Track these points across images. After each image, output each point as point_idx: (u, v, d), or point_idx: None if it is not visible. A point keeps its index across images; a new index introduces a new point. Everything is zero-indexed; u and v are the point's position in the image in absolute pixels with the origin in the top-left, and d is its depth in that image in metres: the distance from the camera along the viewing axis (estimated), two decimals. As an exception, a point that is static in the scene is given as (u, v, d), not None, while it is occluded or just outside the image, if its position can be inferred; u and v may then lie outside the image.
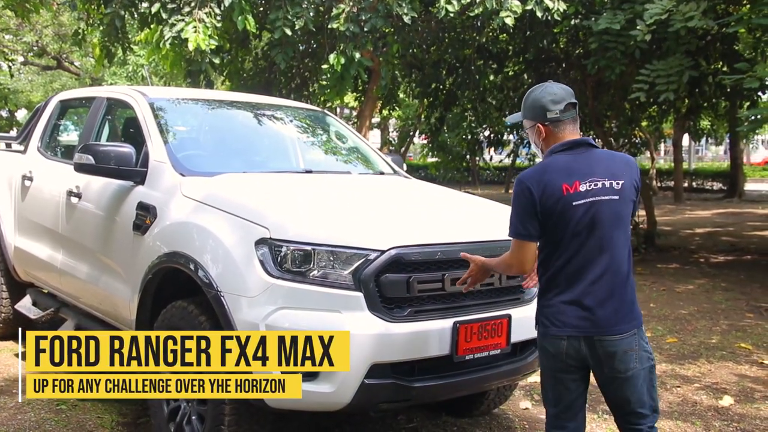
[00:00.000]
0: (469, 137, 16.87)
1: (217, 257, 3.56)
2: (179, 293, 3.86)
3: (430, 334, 3.42)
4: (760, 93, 12.45)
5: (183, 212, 3.92)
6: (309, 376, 3.30)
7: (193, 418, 3.72)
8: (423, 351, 3.41)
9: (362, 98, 13.88)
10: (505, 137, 19.95)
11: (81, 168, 4.39)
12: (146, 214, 4.13)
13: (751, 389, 5.27)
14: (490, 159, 28.41)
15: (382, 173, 5.16)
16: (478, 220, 4.06)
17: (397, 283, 3.37)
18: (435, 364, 3.48)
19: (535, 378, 5.38)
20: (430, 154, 26.67)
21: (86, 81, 25.93)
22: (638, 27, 8.70)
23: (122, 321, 4.40)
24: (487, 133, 18.76)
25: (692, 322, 7.26)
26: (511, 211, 2.99)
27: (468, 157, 25.93)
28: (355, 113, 21.58)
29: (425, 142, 25.19)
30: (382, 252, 3.36)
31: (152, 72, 22.13)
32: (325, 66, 9.63)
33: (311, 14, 9.62)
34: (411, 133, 28.08)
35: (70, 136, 8.69)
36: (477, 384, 3.72)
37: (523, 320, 3.77)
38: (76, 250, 4.92)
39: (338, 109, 29.64)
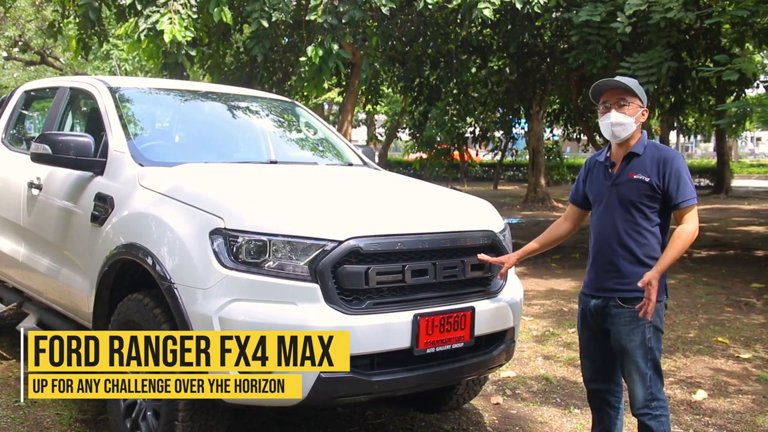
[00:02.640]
0: (454, 132, 16.84)
1: (172, 248, 3.46)
2: (138, 286, 3.76)
3: (389, 326, 3.32)
4: (745, 89, 12.46)
5: (140, 203, 3.82)
6: (264, 371, 3.22)
7: (149, 414, 3.63)
8: (382, 344, 3.32)
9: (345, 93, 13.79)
10: (490, 134, 19.94)
11: (38, 158, 4.28)
12: (104, 205, 4.04)
13: (725, 383, 5.21)
14: (476, 154, 28.34)
15: (350, 164, 5.06)
16: (444, 211, 3.96)
17: (355, 274, 3.28)
18: (395, 357, 3.39)
19: (508, 372, 5.34)
20: (413, 149, 26.58)
21: (70, 75, 25.71)
22: (619, 19, 8.64)
23: (82, 315, 4.30)
24: (471, 129, 18.71)
25: (671, 317, 7.20)
26: (689, 180, 3.30)
27: (456, 152, 25.92)
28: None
29: (409, 138, 25.08)
30: (339, 242, 3.27)
31: (137, 67, 22.00)
32: (302, 59, 9.53)
33: (290, 6, 9.50)
34: (396, 129, 27.97)
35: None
36: (439, 378, 3.62)
37: (488, 313, 3.70)
38: (38, 244, 4.81)
39: (325, 105, 29.55)
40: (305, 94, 11.56)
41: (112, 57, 20.62)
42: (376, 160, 5.47)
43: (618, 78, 3.43)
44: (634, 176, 3.32)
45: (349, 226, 3.34)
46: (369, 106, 16.80)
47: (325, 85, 16.36)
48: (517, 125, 21.84)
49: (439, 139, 23.78)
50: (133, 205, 3.85)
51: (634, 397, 3.37)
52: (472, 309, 3.59)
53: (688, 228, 3.26)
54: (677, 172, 3.26)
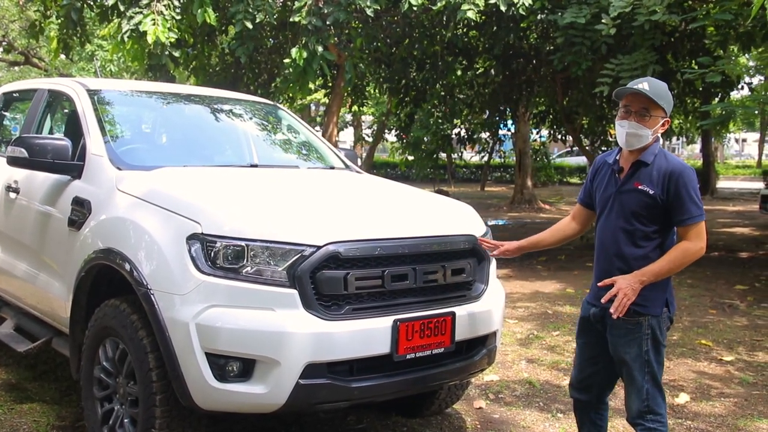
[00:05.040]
0: (439, 134, 16.80)
1: (149, 253, 3.43)
2: (116, 291, 3.72)
3: (368, 332, 3.30)
4: (729, 91, 12.50)
5: (117, 207, 3.78)
6: (241, 377, 3.20)
7: (126, 421, 3.58)
8: (361, 350, 3.29)
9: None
10: (476, 135, 19.87)
11: (14, 162, 4.24)
12: (81, 210, 4.00)
13: (708, 386, 5.21)
14: (461, 156, 28.27)
15: (332, 168, 5.03)
16: (425, 215, 3.93)
17: (334, 279, 3.25)
18: (375, 363, 3.36)
19: (492, 376, 5.32)
20: (400, 151, 26.49)
21: (54, 77, 25.46)
22: (603, 21, 8.64)
23: (59, 320, 4.25)
24: (457, 130, 18.64)
25: (655, 319, 7.19)
26: (695, 196, 3.15)
27: (443, 154, 25.85)
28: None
29: (396, 139, 25.01)
30: (318, 247, 3.24)
31: (122, 69, 21.86)
32: (287, 60, 9.48)
33: (274, 7, 9.45)
34: (384, 130, 27.89)
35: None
36: (420, 384, 3.58)
37: (469, 318, 3.68)
38: (15, 248, 4.75)
39: (312, 107, 29.49)
40: (290, 95, 11.48)
41: (97, 58, 20.46)
42: (359, 163, 5.45)
43: (647, 85, 3.20)
44: (639, 186, 3.20)
45: (328, 231, 3.31)
46: (355, 108, 16.73)
47: (311, 87, 16.30)
48: (503, 127, 21.86)
49: (426, 140, 23.74)
50: (110, 210, 3.81)
51: (628, 407, 3.31)
52: (453, 314, 3.57)
53: (688, 245, 3.13)
54: (683, 187, 3.11)
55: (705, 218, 3.18)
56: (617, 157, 3.36)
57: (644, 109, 3.19)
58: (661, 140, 3.35)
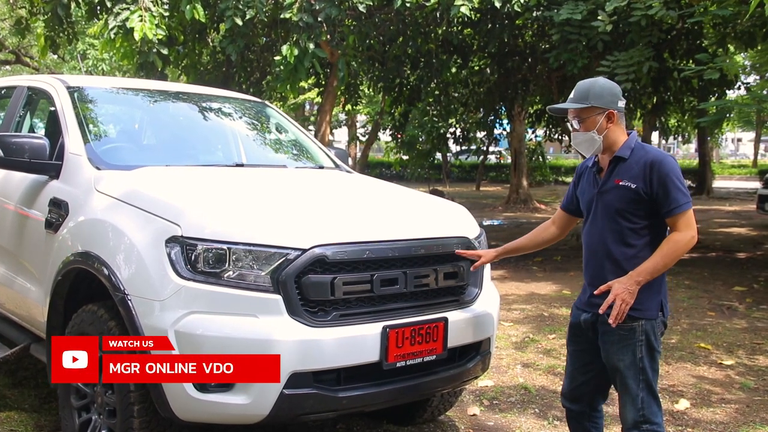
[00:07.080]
0: (433, 133, 16.71)
1: (127, 257, 3.28)
2: (95, 296, 3.56)
3: (356, 339, 3.16)
4: (726, 90, 12.41)
5: (95, 209, 3.63)
6: (223, 387, 3.06)
7: (103, 431, 3.43)
8: (349, 358, 3.15)
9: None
10: (471, 134, 19.78)
11: None
12: (59, 211, 3.84)
13: (708, 391, 5.07)
14: (457, 157, 28.21)
15: (322, 167, 4.87)
16: (417, 216, 3.78)
17: (321, 284, 3.11)
18: (363, 371, 3.22)
19: (486, 382, 5.18)
20: (395, 150, 26.41)
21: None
22: (600, 17, 8.52)
23: (37, 326, 4.09)
24: (452, 129, 18.53)
25: (653, 321, 7.06)
26: (680, 184, 3.01)
27: (438, 154, 25.79)
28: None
29: (390, 139, 24.90)
30: (304, 251, 3.09)
31: (114, 67, 21.69)
32: (277, 58, 9.33)
33: (265, 4, 9.29)
34: (378, 130, 27.77)
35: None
36: (410, 392, 3.44)
37: (462, 323, 3.55)
38: (-7, 250, 4.59)
39: (306, 106, 29.36)
40: (282, 94, 11.34)
41: (83, 55, 20.27)
42: (350, 162, 5.30)
43: (573, 92, 3.20)
44: (620, 183, 3.08)
45: (314, 233, 3.17)
46: (348, 107, 16.60)
47: (304, 85, 16.13)
48: (498, 126, 21.77)
49: (421, 139, 23.67)
50: (88, 211, 3.66)
51: (623, 417, 3.16)
52: (445, 320, 3.43)
53: (678, 236, 3.00)
54: (665, 176, 2.99)
55: (692, 206, 3.05)
56: (596, 159, 3.26)
57: (575, 117, 3.17)
58: (636, 135, 3.20)
